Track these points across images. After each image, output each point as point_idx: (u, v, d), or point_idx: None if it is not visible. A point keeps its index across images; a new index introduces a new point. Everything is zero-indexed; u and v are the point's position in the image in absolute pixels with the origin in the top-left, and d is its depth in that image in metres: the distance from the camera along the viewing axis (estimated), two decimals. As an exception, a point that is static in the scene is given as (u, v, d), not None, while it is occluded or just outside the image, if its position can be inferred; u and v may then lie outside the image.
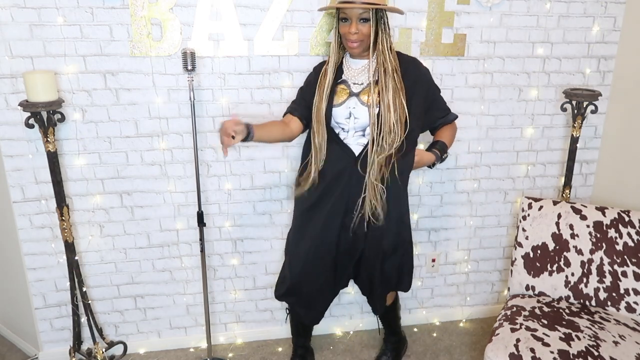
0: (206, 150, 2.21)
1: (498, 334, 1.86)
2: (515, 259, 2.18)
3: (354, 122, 1.87)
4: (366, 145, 1.86)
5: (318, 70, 1.96)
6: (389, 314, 2.32)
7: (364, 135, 1.88)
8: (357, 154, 1.89)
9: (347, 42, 1.81)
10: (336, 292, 2.16)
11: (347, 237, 1.96)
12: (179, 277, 2.38)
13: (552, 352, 1.72)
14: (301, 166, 2.01)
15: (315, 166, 1.91)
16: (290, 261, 2.08)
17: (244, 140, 1.73)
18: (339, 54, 1.91)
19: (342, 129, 1.90)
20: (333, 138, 1.91)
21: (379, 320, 2.39)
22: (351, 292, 2.53)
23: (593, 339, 1.79)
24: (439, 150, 1.97)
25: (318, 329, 2.47)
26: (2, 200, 2.18)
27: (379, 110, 1.81)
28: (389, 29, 1.83)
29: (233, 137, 1.66)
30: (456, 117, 2.08)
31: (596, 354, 1.72)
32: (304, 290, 2.05)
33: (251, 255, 2.40)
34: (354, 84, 1.88)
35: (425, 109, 1.94)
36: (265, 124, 1.90)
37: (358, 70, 1.89)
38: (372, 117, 1.82)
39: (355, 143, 1.90)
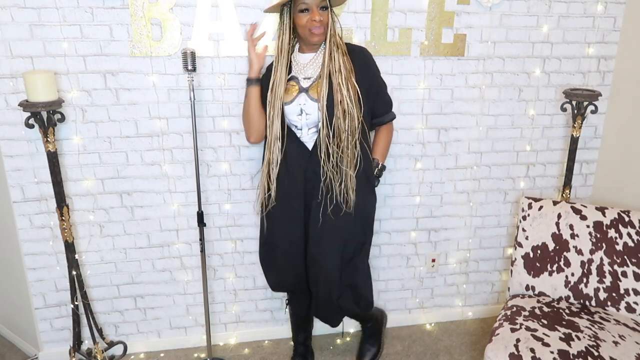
0: (206, 150, 2.21)
1: (498, 334, 1.86)
2: (515, 259, 2.17)
3: (305, 118, 1.88)
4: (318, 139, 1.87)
5: (270, 69, 1.95)
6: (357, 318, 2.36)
7: (317, 132, 1.89)
8: (310, 149, 1.91)
9: (309, 32, 1.81)
10: None
11: (314, 231, 1.97)
12: (179, 277, 2.38)
13: (552, 352, 1.72)
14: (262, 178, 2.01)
15: (269, 167, 1.91)
16: (266, 269, 2.13)
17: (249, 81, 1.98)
18: (289, 51, 1.90)
19: (295, 126, 1.91)
20: (289, 136, 1.92)
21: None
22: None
23: (593, 339, 1.79)
24: (375, 169, 2.02)
25: (318, 329, 2.48)
26: (2, 200, 2.18)
27: (330, 95, 1.82)
28: (336, 17, 1.89)
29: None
30: (394, 117, 2.07)
31: (596, 354, 1.72)
32: (287, 284, 2.14)
33: (251, 255, 2.40)
34: (304, 78, 1.89)
35: (370, 98, 1.93)
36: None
37: (306, 64, 1.90)
38: (321, 107, 1.82)
39: (311, 140, 1.91)
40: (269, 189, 1.95)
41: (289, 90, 1.89)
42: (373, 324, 2.41)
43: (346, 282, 2.01)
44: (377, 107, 1.99)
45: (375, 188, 2.05)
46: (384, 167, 2.06)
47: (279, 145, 1.90)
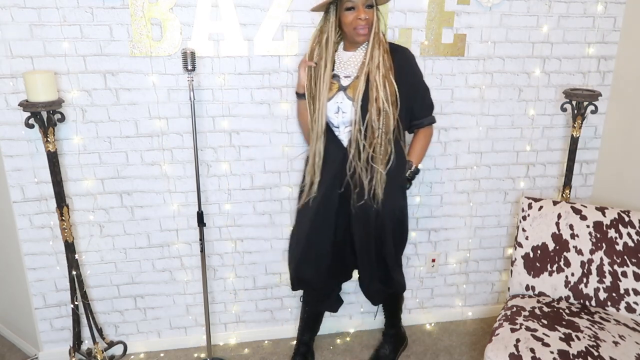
0: (206, 150, 2.21)
1: (498, 334, 1.86)
2: (515, 259, 2.17)
3: (342, 116, 1.90)
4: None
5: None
6: (390, 302, 2.34)
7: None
8: (345, 146, 1.92)
9: (355, 30, 1.82)
10: (340, 278, 2.21)
11: (343, 224, 2.00)
12: (179, 277, 2.38)
13: (552, 352, 1.72)
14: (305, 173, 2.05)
15: (313, 166, 1.95)
16: (292, 253, 2.15)
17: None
18: (334, 50, 1.91)
19: (332, 124, 1.93)
20: (327, 133, 1.94)
21: (383, 310, 2.40)
22: (351, 292, 2.53)
23: (593, 339, 1.79)
24: (409, 171, 2.03)
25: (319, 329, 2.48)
26: (2, 200, 2.18)
27: (366, 93, 1.83)
28: (381, 15, 1.89)
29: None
30: (433, 121, 2.07)
31: (596, 354, 1.72)
32: (306, 277, 2.11)
33: (251, 255, 2.40)
34: (344, 76, 1.91)
35: (408, 99, 1.93)
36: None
37: (348, 62, 1.91)
38: (356, 106, 1.84)
39: (347, 138, 1.93)
40: (311, 182, 1.98)
41: (329, 87, 1.91)
42: (394, 334, 2.42)
43: (380, 269, 2.07)
44: (416, 109, 1.99)
45: (407, 190, 2.07)
46: (417, 170, 2.06)
47: (323, 141, 1.93)
